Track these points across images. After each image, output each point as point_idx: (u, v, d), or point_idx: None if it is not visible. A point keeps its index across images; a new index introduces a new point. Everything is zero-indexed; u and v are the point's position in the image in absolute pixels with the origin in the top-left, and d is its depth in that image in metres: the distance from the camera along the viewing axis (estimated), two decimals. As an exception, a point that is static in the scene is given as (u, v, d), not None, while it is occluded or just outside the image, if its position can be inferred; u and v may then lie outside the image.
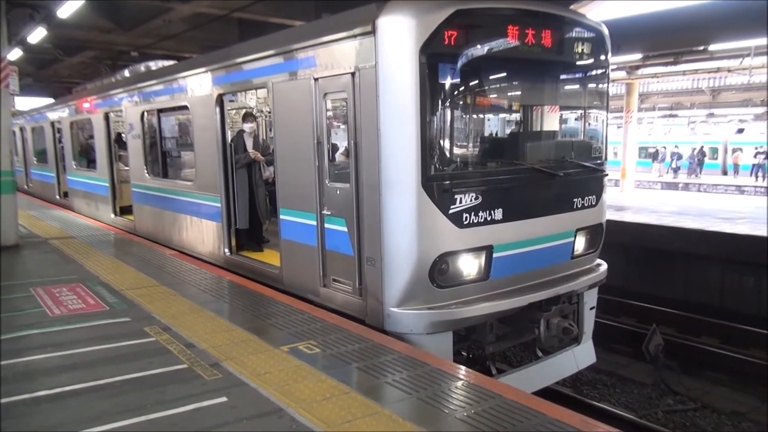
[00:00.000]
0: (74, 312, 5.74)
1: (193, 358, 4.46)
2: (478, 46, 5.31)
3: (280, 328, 5.18)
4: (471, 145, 5.97)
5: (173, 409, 3.62)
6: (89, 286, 6.70)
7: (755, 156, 33.93)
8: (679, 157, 35.77)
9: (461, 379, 4.10)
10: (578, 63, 6.22)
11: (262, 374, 4.13)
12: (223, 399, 3.76)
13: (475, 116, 6.06)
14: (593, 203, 6.33)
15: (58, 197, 15.61)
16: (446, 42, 4.97)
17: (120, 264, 7.92)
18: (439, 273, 5.18)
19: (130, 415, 3.54)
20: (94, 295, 6.32)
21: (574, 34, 6.03)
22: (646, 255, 11.39)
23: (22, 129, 19.08)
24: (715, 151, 37.03)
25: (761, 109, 31.35)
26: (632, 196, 18.43)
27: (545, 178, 5.80)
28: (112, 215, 11.97)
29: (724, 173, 36.23)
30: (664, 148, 37.43)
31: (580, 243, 6.30)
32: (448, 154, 5.37)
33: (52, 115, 15.51)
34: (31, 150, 18.34)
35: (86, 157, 13.98)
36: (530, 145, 6.32)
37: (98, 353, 4.64)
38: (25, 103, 24.15)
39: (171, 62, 11.50)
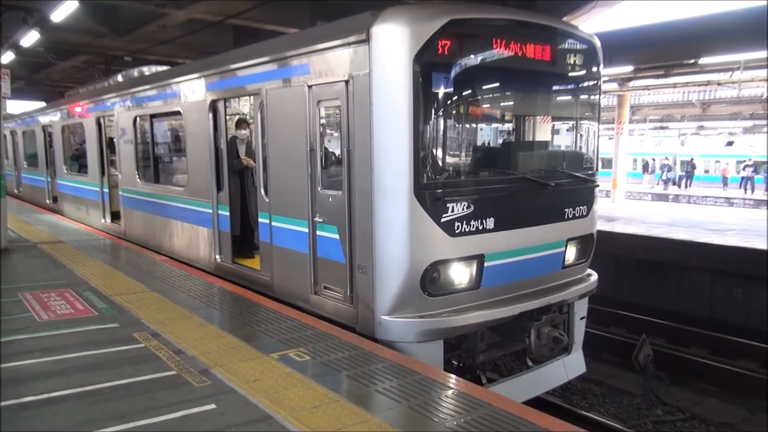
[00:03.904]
0: (62, 317, 5.68)
1: (182, 365, 4.43)
2: (472, 56, 5.34)
3: (270, 335, 5.16)
4: (463, 154, 5.99)
5: (162, 416, 3.59)
6: (78, 291, 6.65)
7: (743, 169, 34.30)
8: (669, 168, 36.10)
9: (451, 388, 4.09)
10: (570, 74, 6.27)
11: (251, 381, 4.11)
12: (212, 406, 3.73)
13: (467, 125, 6.09)
14: (584, 213, 6.37)
15: (48, 201, 15.53)
16: (440, 51, 5.00)
17: (109, 269, 7.87)
18: (430, 281, 5.18)
19: (118, 421, 3.50)
20: (82, 301, 6.27)
21: (566, 46, 6.09)
22: (636, 265, 11.45)
23: (13, 133, 18.97)
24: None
25: (750, 123, 31.67)
26: (623, 207, 18.55)
27: (537, 187, 5.83)
28: (103, 220, 11.91)
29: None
30: (653, 159, 37.79)
31: (571, 253, 6.33)
32: (440, 163, 5.38)
33: (44, 119, 15.43)
34: (22, 154, 18.23)
35: (77, 161, 13.91)
36: (522, 155, 6.35)
37: (86, 359, 4.60)
38: (17, 106, 24.08)
39: (164, 67, 11.48)
